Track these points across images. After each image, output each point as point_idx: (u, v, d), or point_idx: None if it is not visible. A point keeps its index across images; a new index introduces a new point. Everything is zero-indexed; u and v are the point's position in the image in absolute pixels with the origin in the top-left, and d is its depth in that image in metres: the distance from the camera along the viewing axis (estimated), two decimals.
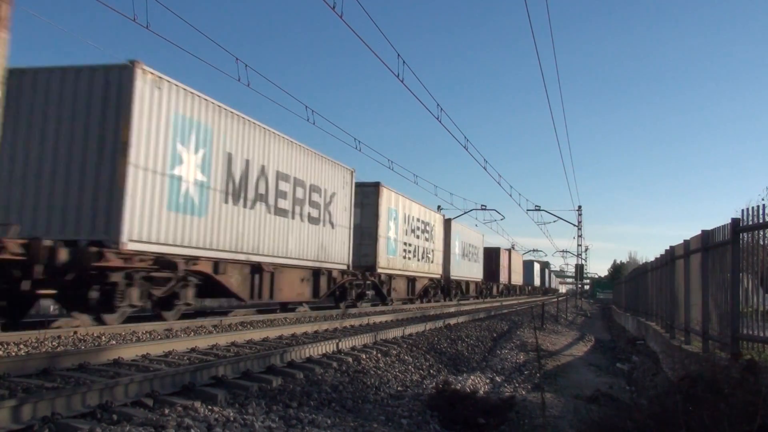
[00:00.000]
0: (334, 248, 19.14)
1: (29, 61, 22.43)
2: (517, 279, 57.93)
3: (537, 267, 77.02)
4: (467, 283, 37.90)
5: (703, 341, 8.64)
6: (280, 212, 15.77)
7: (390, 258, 24.25)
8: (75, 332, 9.69)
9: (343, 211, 19.84)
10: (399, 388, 7.72)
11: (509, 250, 53.06)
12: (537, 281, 76.59)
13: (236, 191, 13.89)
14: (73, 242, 10.27)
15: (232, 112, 13.78)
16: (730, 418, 4.44)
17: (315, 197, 17.85)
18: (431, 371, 9.34)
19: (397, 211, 25.01)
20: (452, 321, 16.24)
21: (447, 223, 33.55)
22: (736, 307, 7.19)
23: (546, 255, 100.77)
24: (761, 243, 6.89)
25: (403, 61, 13.77)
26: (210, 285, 13.50)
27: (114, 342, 9.24)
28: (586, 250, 76.47)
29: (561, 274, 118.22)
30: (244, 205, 14.22)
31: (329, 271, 18.65)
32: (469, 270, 37.70)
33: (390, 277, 24.31)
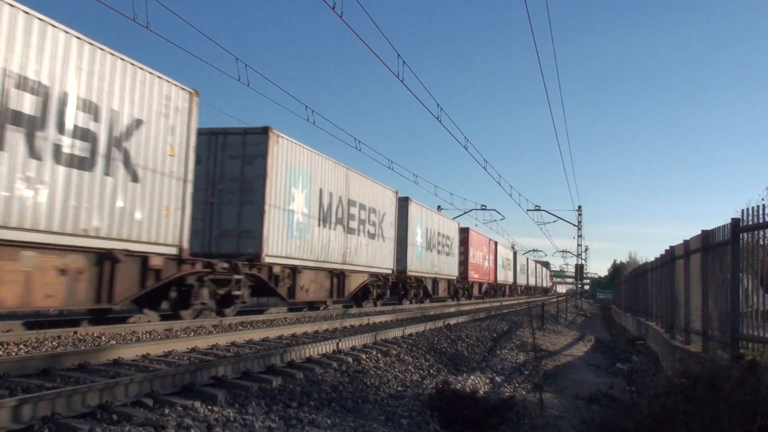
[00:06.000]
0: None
1: None
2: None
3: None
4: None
5: (703, 341, 8.63)
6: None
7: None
8: (75, 332, 9.70)
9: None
10: (399, 388, 7.72)
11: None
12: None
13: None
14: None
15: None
16: (730, 418, 4.43)
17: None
18: (431, 371, 9.35)
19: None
20: (452, 321, 16.23)
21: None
22: (736, 307, 7.19)
23: (546, 255, 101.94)
24: (761, 243, 6.89)
25: (403, 61, 13.85)
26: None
27: (114, 342, 9.24)
28: (586, 250, 77.65)
29: (561, 274, 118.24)
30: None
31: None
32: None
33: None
